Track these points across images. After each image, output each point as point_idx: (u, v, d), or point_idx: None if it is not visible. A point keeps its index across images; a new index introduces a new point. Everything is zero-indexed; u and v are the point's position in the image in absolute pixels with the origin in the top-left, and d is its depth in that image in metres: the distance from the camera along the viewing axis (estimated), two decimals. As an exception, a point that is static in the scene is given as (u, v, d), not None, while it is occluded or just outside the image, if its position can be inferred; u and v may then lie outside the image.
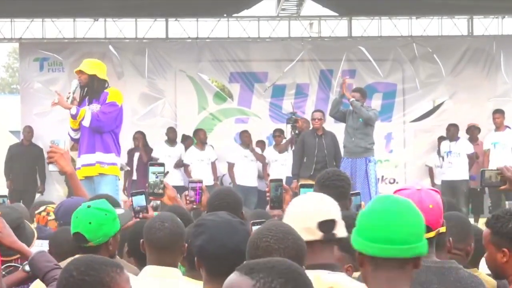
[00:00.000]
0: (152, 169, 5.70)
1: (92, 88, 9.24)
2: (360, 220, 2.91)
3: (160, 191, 5.77)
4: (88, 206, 4.43)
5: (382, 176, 16.58)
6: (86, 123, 9.10)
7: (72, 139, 9.45)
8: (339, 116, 13.29)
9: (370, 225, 2.85)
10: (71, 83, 9.54)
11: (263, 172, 15.86)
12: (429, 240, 3.47)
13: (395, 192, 3.51)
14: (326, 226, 3.48)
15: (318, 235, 3.47)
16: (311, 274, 2.52)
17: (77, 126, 9.24)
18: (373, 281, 2.85)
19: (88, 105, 9.19)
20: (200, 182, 5.64)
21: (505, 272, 3.69)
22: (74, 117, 9.15)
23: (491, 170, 5.01)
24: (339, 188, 5.11)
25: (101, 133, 9.16)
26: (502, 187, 4.92)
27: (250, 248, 3.30)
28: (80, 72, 9.25)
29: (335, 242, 3.57)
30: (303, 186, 5.71)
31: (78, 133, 9.28)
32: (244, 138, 16.13)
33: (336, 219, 3.53)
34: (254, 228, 3.96)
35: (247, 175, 15.84)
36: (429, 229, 3.45)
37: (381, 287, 2.83)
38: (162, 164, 5.78)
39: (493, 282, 4.30)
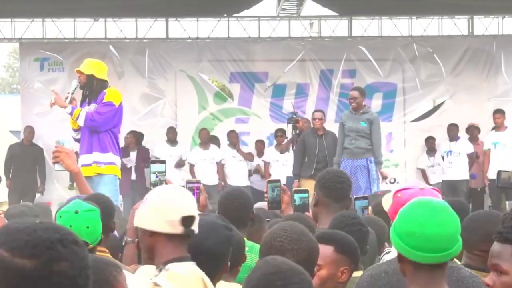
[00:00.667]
0: (153, 167, 5.63)
1: (91, 88, 9.22)
2: (400, 223, 3.02)
3: None
4: (76, 212, 4.40)
5: (383, 176, 16.56)
6: (81, 122, 9.10)
7: (74, 139, 9.43)
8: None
9: (412, 232, 2.97)
10: (71, 83, 9.53)
11: (264, 172, 15.85)
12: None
13: (397, 191, 3.51)
14: (188, 221, 3.50)
15: (179, 229, 3.49)
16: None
17: (77, 126, 9.23)
18: (414, 280, 3.01)
19: (88, 105, 9.18)
20: (198, 182, 5.59)
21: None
22: (70, 115, 9.16)
23: (508, 171, 5.06)
24: (339, 189, 5.10)
25: (97, 132, 9.14)
26: None
27: (263, 246, 3.31)
28: (80, 72, 9.24)
29: (189, 237, 3.57)
30: (297, 191, 5.68)
31: (79, 133, 9.27)
32: (231, 138, 16.12)
33: (196, 216, 3.55)
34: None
35: (236, 175, 15.84)
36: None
37: (422, 286, 2.99)
38: (163, 161, 5.69)
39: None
